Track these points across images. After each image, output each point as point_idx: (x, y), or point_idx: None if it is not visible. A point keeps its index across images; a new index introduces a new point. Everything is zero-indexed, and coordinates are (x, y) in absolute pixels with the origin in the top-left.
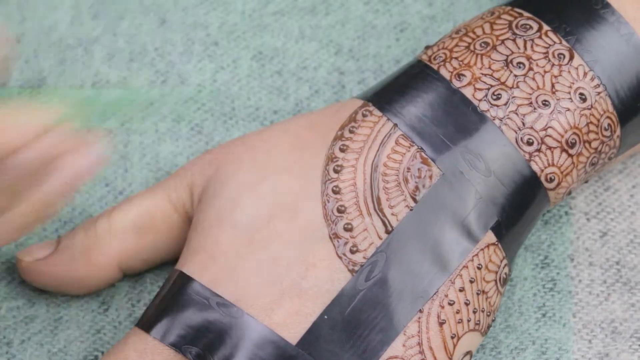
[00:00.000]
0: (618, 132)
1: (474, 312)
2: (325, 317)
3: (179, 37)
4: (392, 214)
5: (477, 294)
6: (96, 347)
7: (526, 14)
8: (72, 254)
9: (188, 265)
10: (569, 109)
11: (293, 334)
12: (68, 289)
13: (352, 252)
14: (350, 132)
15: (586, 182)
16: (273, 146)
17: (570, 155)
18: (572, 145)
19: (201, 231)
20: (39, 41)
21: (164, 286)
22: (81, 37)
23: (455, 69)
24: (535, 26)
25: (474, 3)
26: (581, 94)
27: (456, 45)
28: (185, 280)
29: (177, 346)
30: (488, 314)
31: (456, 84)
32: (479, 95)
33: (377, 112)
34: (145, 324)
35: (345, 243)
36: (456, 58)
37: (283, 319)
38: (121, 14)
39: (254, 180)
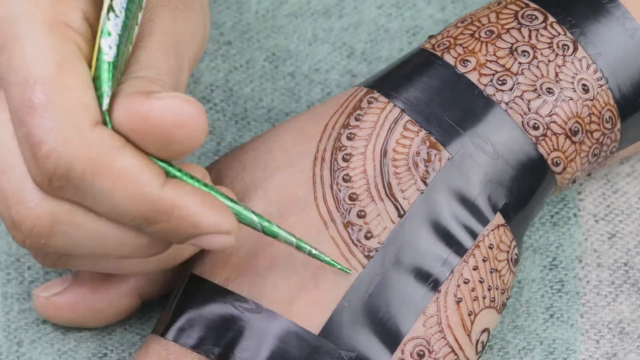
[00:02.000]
0: (619, 125)
1: (489, 290)
2: (345, 304)
3: None
4: (404, 198)
5: (491, 272)
6: (106, 345)
7: (532, 5)
8: (91, 285)
9: (199, 267)
10: (572, 98)
11: (315, 324)
12: (88, 321)
13: (366, 238)
14: (357, 119)
15: (589, 174)
16: (275, 144)
17: (573, 143)
18: (575, 133)
19: None
20: None
21: (176, 289)
22: None
23: (459, 54)
24: (541, 17)
25: None
26: (584, 85)
27: (461, 33)
28: (198, 281)
29: (198, 348)
30: (502, 291)
31: (461, 69)
32: (485, 80)
33: (382, 99)
34: (164, 329)
35: (360, 230)
36: (460, 45)
37: (303, 310)
38: None
39: (259, 178)
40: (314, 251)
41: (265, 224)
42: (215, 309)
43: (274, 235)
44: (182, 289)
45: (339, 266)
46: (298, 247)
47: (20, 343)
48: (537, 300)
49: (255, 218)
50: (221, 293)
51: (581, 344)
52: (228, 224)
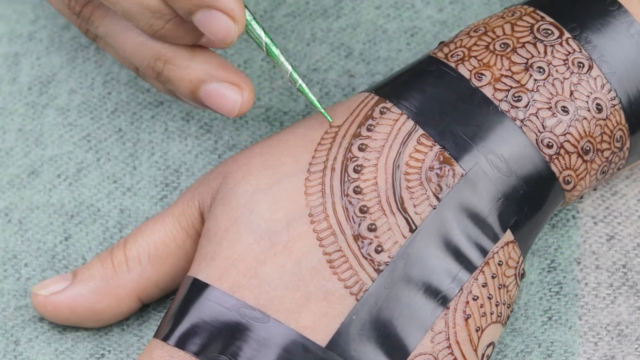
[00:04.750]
0: (628, 144)
1: (496, 305)
2: (354, 317)
3: None
4: (416, 213)
5: (499, 288)
6: (103, 346)
7: (548, 18)
8: (91, 286)
9: (204, 272)
10: (585, 118)
11: (322, 336)
12: (87, 322)
13: (377, 252)
14: (369, 130)
15: (594, 189)
16: (283, 149)
17: (585, 161)
18: (587, 152)
19: (214, 237)
20: (51, 39)
21: (178, 294)
22: None
23: (474, 67)
24: (557, 32)
25: (484, 8)
26: (598, 104)
27: (475, 44)
28: (203, 288)
29: (203, 355)
30: (508, 306)
31: (476, 83)
32: (500, 95)
33: (395, 110)
34: (167, 335)
35: (370, 243)
36: (475, 57)
37: (311, 321)
38: None
39: (267, 184)
40: (303, 85)
41: (268, 40)
42: (221, 317)
43: (273, 57)
44: (184, 294)
45: (323, 111)
46: (291, 77)
47: (17, 342)
48: (536, 302)
49: (263, 34)
50: (227, 301)
51: (579, 346)
52: (239, 12)
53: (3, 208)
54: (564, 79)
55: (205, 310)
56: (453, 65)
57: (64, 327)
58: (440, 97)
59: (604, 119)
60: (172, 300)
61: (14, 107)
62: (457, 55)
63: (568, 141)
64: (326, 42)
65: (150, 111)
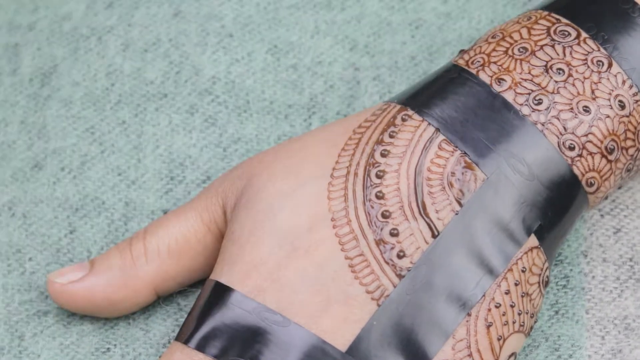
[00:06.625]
0: None
1: (519, 314)
2: (374, 323)
3: (193, 28)
4: (438, 219)
5: (522, 296)
6: (109, 340)
7: (564, 20)
8: (109, 276)
9: (226, 276)
10: (608, 116)
11: (342, 341)
12: (103, 312)
13: (399, 257)
14: (391, 136)
15: (619, 188)
16: (308, 154)
17: (609, 161)
18: (611, 152)
19: (237, 241)
20: (51, 29)
21: (200, 298)
22: (95, 27)
23: (494, 73)
24: (574, 33)
25: (489, 0)
26: (620, 101)
27: (494, 49)
28: (224, 290)
29: (223, 359)
30: (531, 315)
31: (497, 88)
32: (520, 99)
33: (416, 117)
34: (189, 338)
35: (392, 248)
36: (495, 62)
37: (331, 326)
38: (135, 4)
39: (290, 188)
40: None
41: None
42: (241, 320)
43: None
44: (206, 297)
45: None
46: None
47: (22, 337)
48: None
49: None
50: (248, 304)
51: (586, 340)
52: None
53: (7, 202)
54: (584, 78)
55: (226, 313)
56: (474, 72)
57: (69, 321)
58: (461, 104)
59: (627, 116)
60: (193, 299)
61: (15, 99)
62: (478, 61)
63: (590, 142)
64: (330, 35)
65: (154, 103)
